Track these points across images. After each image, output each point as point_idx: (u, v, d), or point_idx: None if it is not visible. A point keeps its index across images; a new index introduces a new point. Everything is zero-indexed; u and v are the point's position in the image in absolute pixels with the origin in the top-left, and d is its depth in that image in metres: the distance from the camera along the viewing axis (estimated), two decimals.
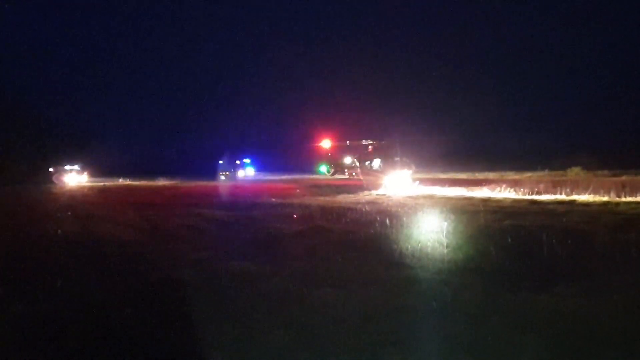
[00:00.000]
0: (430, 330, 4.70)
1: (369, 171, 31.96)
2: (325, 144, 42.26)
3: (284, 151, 56.87)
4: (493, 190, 19.01)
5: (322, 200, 18.08)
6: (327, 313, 5.05)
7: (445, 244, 8.26)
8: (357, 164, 35.00)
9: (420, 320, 4.94)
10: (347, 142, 39.50)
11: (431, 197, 18.79)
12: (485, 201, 16.02)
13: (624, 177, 24.79)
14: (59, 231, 11.20)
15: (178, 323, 4.88)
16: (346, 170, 37.40)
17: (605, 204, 14.15)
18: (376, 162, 31.51)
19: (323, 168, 43.16)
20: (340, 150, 40.75)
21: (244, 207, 16.58)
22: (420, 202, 16.66)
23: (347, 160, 37.33)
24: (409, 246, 8.22)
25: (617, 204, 13.98)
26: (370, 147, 33.84)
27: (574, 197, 15.95)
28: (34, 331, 4.78)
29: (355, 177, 34.43)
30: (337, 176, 39.28)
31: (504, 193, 18.07)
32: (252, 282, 6.28)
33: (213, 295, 5.85)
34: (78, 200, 22.72)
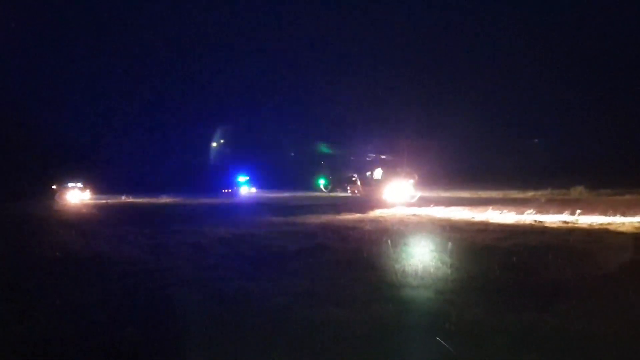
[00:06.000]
0: (431, 348, 4.66)
1: (370, 188, 31.89)
2: (326, 160, 42.34)
3: (285, 168, 57.16)
4: (496, 210, 18.95)
5: (322, 219, 18.03)
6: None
7: (449, 264, 8.23)
8: (359, 181, 34.98)
9: (423, 339, 4.91)
10: (349, 157, 39.54)
11: (433, 216, 18.75)
12: (491, 223, 15.95)
13: (627, 196, 24.78)
14: (60, 251, 11.20)
15: (179, 343, 4.85)
16: (348, 186, 37.42)
17: (609, 224, 14.07)
18: (377, 179, 31.44)
19: (322, 183, 43.36)
20: (341, 166, 40.84)
21: (248, 225, 16.57)
22: (424, 222, 16.65)
23: (348, 176, 37.41)
24: (410, 269, 8.19)
25: (623, 224, 13.91)
26: (371, 163, 33.80)
27: (579, 217, 15.82)
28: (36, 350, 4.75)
29: (358, 194, 34.42)
30: (339, 193, 39.31)
31: (508, 214, 17.99)
32: (256, 301, 6.28)
33: (216, 314, 5.82)
34: (80, 219, 22.73)
